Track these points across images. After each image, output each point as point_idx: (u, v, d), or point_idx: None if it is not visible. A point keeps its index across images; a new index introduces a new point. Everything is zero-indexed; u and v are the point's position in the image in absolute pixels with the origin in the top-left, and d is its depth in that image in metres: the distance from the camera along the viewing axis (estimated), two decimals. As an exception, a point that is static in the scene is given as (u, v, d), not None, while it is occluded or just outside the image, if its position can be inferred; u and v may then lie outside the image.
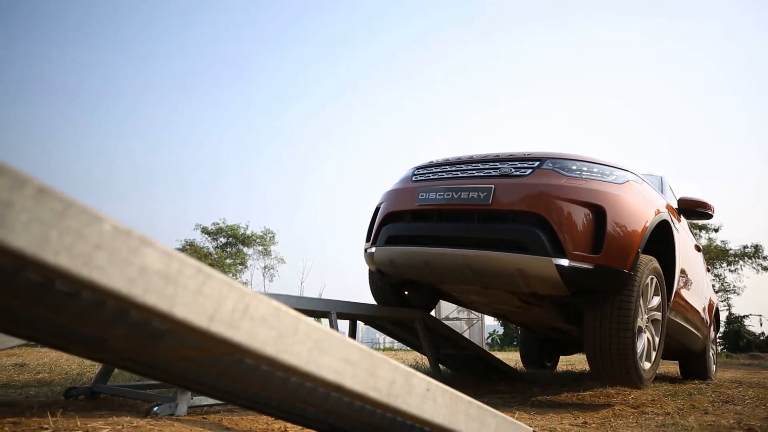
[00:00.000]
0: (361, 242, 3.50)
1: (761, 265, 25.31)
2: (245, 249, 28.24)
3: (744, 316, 25.25)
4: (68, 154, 44.84)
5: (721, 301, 25.51)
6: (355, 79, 56.93)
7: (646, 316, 2.90)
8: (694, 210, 3.83)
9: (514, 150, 3.01)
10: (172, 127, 46.56)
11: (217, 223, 27.91)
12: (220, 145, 49.17)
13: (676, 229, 3.37)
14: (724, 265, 25.91)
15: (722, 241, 25.84)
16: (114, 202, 38.69)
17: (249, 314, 0.64)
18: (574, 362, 7.49)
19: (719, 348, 22.49)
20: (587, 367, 2.88)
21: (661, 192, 3.56)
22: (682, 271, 3.55)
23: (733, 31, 50.53)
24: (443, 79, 60.29)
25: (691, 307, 3.96)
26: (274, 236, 28.83)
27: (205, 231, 27.73)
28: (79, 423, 1.64)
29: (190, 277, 0.58)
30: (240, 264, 27.53)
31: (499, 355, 7.98)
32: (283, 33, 55.73)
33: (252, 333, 0.64)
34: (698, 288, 4.26)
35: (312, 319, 1.04)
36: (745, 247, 25.54)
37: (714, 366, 5.39)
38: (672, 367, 6.51)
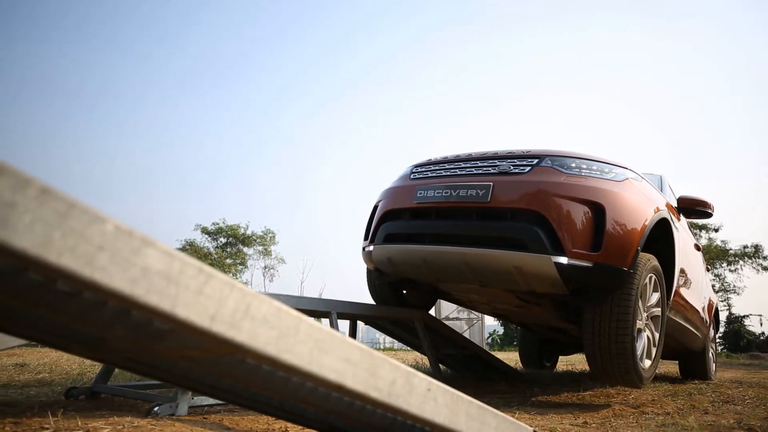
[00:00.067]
0: (361, 242, 3.49)
1: (761, 265, 25.34)
2: (245, 249, 28.24)
3: (744, 316, 25.28)
4: (68, 154, 44.86)
5: (722, 301, 25.51)
6: (355, 79, 56.96)
7: (646, 314, 2.90)
8: (693, 209, 3.82)
9: (513, 147, 3.00)
10: (172, 127, 46.58)
11: (217, 223, 27.93)
12: (220, 145, 49.19)
13: (676, 227, 3.37)
14: (724, 265, 25.93)
15: (722, 241, 25.87)
16: (114, 202, 38.71)
17: (250, 314, 0.64)
18: (574, 362, 7.49)
19: (719, 348, 22.49)
20: (587, 367, 2.88)
21: (661, 191, 3.56)
22: (682, 270, 3.54)
23: (733, 31, 50.53)
24: (443, 79, 60.32)
25: (691, 306, 3.95)
26: (274, 236, 28.87)
27: (205, 231, 27.74)
28: (79, 423, 1.64)
29: (191, 278, 0.58)
30: (240, 264, 27.54)
31: (499, 355, 7.98)
32: (283, 33, 55.74)
33: (253, 333, 0.64)
34: (698, 287, 4.26)
35: (312, 319, 1.04)
36: (745, 247, 25.57)
37: (714, 366, 5.38)
38: (672, 367, 6.51)
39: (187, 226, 33.46)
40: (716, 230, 26.03)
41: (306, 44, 56.54)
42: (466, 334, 16.33)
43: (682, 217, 3.83)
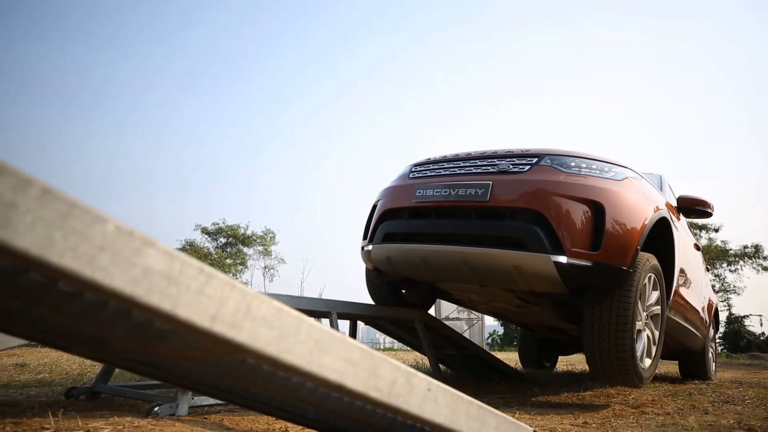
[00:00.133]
0: (360, 242, 3.49)
1: (761, 265, 25.34)
2: (245, 249, 28.24)
3: (744, 317, 25.29)
4: (68, 154, 44.88)
5: (722, 301, 25.51)
6: (355, 79, 56.99)
7: (645, 314, 2.89)
8: (693, 208, 3.81)
9: (512, 146, 2.99)
10: (172, 127, 46.60)
11: (217, 223, 27.93)
12: (220, 145, 49.22)
13: (676, 227, 3.36)
14: (725, 265, 25.93)
15: (722, 241, 25.88)
16: (114, 202, 38.73)
17: (251, 314, 0.64)
18: (575, 362, 7.49)
19: (719, 348, 22.49)
20: (587, 368, 2.88)
21: (660, 190, 3.55)
22: (682, 270, 3.54)
23: (733, 31, 50.57)
24: (443, 79, 60.37)
25: (691, 306, 3.95)
26: (274, 236, 28.87)
27: (205, 231, 27.74)
28: (80, 423, 1.64)
29: (192, 278, 0.58)
30: (240, 264, 27.54)
31: (499, 355, 7.98)
32: (283, 33, 55.77)
33: (254, 333, 0.64)
34: (697, 287, 4.25)
35: (313, 319, 1.04)
36: (745, 247, 25.58)
37: (714, 366, 5.38)
38: (672, 367, 6.51)
39: (187, 226, 33.50)
40: (716, 230, 26.05)
41: (306, 44, 56.58)
42: (466, 334, 16.34)
43: (681, 216, 3.82)
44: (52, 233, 0.47)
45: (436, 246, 2.81)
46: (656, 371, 3.10)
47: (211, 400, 2.23)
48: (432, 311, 4.05)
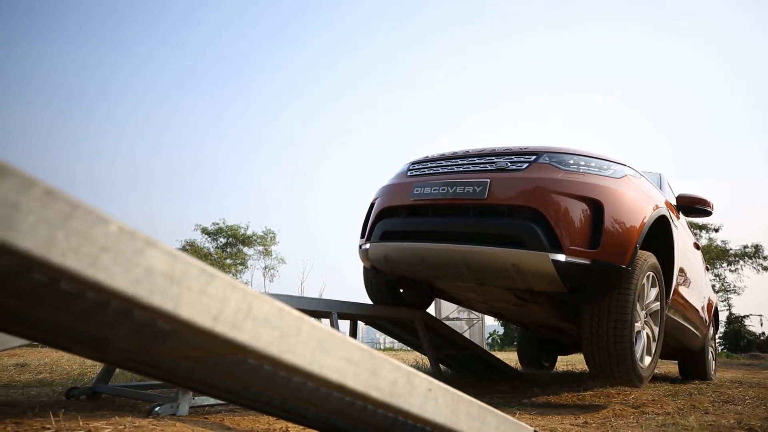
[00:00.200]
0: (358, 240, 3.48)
1: (761, 265, 25.34)
2: (245, 249, 28.24)
3: (744, 316, 25.29)
4: (68, 154, 44.90)
5: (722, 301, 25.52)
6: (355, 79, 57.04)
7: (644, 313, 2.88)
8: (693, 207, 3.80)
9: (511, 144, 2.98)
10: (172, 127, 46.63)
11: (217, 223, 27.92)
12: (220, 145, 49.25)
13: (675, 225, 3.34)
14: (725, 265, 25.93)
15: (722, 241, 25.87)
16: (114, 202, 38.74)
17: (252, 315, 0.64)
18: (575, 362, 7.49)
19: (720, 348, 22.49)
20: (587, 367, 2.88)
21: (660, 188, 3.53)
22: (681, 269, 3.52)
23: (733, 31, 50.58)
24: (443, 79, 60.42)
25: (690, 305, 3.94)
26: (275, 236, 28.85)
27: (205, 231, 27.73)
28: (81, 423, 1.64)
29: (194, 278, 0.58)
30: (240, 264, 27.53)
31: (500, 355, 7.98)
32: (283, 33, 55.79)
33: (255, 333, 0.64)
34: (697, 286, 4.24)
35: (314, 319, 1.04)
36: (745, 247, 25.57)
37: (714, 366, 5.38)
38: (672, 367, 6.51)
39: (187, 226, 33.49)
40: (716, 230, 26.05)
41: (306, 44, 56.61)
42: (467, 334, 16.33)
43: (681, 215, 3.80)
44: (55, 234, 0.47)
45: (433, 244, 2.80)
46: (656, 371, 3.09)
47: (212, 400, 2.23)
48: (432, 311, 4.06)
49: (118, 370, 2.73)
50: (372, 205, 3.31)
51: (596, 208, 2.59)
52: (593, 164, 2.78)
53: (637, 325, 2.75)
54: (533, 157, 2.77)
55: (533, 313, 3.62)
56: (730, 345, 23.81)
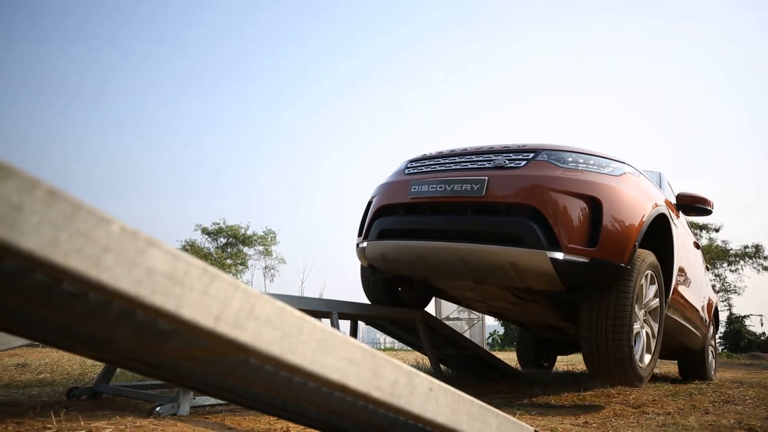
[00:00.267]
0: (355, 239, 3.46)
1: (762, 265, 25.31)
2: (246, 249, 28.22)
3: (745, 316, 25.28)
4: (68, 154, 44.92)
5: (722, 301, 25.50)
6: (355, 79, 57.12)
7: (644, 311, 2.87)
8: (693, 205, 3.77)
9: (509, 142, 2.96)
10: (172, 127, 46.67)
11: (217, 223, 27.90)
12: (220, 145, 49.29)
13: (675, 224, 3.32)
14: (725, 265, 25.91)
15: (723, 241, 25.85)
16: (114, 202, 38.76)
17: (254, 315, 0.64)
18: (575, 362, 7.49)
19: (720, 348, 22.49)
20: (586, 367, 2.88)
21: (659, 187, 3.52)
22: (681, 268, 3.50)
23: (733, 31, 50.63)
24: (443, 79, 60.49)
25: (690, 305, 3.93)
26: (275, 236, 28.83)
27: (205, 231, 27.72)
28: (82, 423, 1.64)
29: (196, 278, 0.58)
30: (240, 264, 27.52)
31: (500, 355, 7.98)
32: (283, 33, 55.85)
33: (257, 333, 0.64)
34: (697, 286, 4.23)
35: (315, 319, 1.05)
36: (745, 247, 25.55)
37: (714, 366, 5.37)
38: (672, 367, 6.51)
39: (187, 227, 33.47)
40: (717, 230, 26.02)
41: (306, 44, 56.65)
42: (467, 334, 16.33)
43: (681, 214, 3.79)
44: (58, 234, 0.47)
45: (431, 242, 2.78)
46: (656, 371, 3.09)
47: (213, 400, 2.23)
48: (432, 311, 4.06)
49: (118, 370, 2.73)
50: (369, 203, 3.29)
51: (595, 206, 2.57)
52: (592, 162, 2.76)
53: (636, 325, 2.74)
54: (531, 155, 2.76)
55: (532, 312, 3.61)
56: (731, 345, 23.80)
